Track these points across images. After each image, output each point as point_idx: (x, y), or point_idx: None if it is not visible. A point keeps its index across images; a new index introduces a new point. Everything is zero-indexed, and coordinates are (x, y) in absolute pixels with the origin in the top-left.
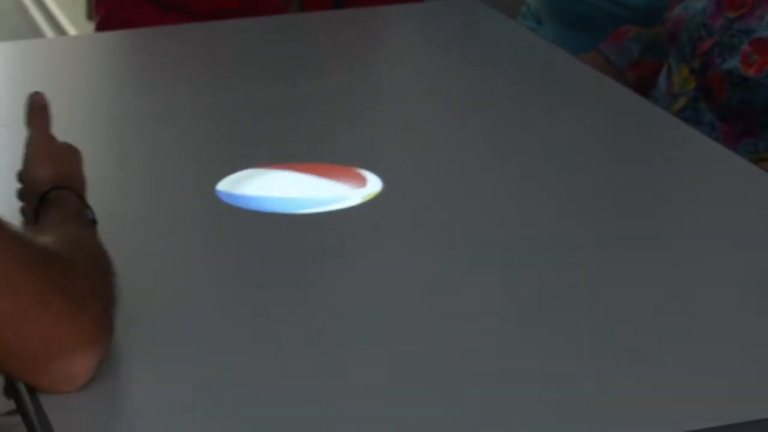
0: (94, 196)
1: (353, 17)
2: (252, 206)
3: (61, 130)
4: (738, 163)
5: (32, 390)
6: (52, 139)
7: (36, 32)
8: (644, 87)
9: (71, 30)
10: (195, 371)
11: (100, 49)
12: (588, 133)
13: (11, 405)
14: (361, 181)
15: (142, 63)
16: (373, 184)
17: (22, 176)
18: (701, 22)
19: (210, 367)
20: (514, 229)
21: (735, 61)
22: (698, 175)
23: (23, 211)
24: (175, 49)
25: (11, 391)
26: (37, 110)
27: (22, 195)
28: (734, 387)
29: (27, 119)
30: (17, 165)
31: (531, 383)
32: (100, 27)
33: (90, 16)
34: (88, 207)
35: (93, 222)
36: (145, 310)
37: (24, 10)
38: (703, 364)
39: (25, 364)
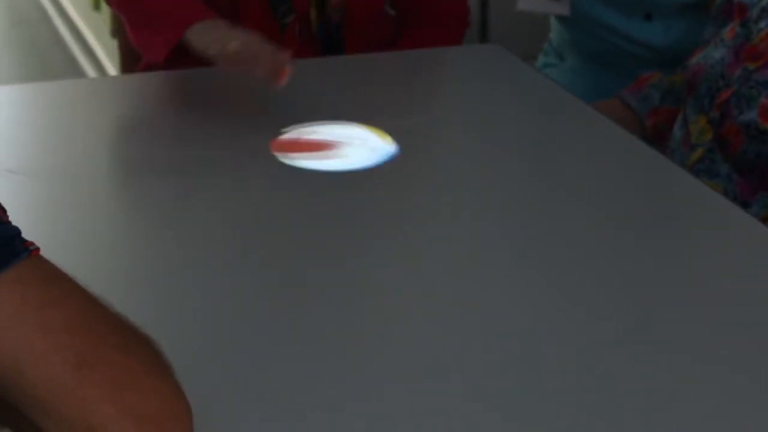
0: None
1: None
2: None
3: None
4: (747, 222)
5: None
6: None
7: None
8: (661, 133)
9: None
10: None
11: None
12: (597, 185)
13: None
14: None
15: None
16: None
17: None
18: (720, 73)
19: None
20: (519, 288)
21: (753, 114)
22: (707, 232)
23: None
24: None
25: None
26: None
27: None
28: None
29: None
30: (42, 215)
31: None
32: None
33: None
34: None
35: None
36: None
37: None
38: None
39: None
